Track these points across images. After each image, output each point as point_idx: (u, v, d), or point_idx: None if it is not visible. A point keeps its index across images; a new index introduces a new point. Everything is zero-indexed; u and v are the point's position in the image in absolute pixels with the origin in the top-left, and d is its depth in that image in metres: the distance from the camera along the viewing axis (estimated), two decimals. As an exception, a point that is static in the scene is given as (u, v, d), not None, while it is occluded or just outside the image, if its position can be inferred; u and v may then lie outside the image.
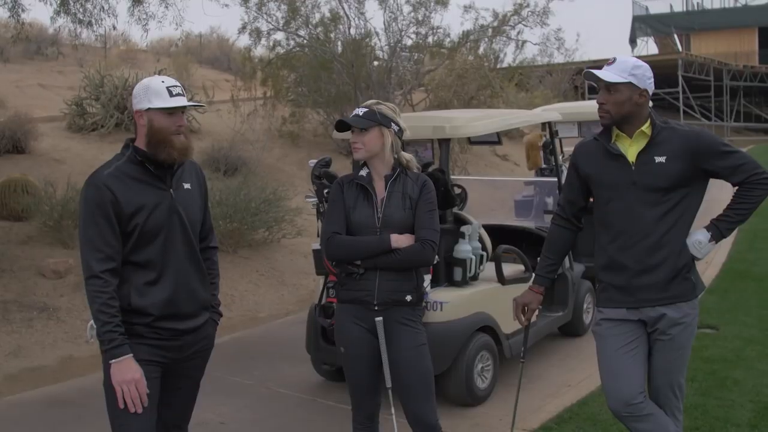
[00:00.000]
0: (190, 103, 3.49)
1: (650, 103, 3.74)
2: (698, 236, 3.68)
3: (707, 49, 39.92)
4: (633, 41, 46.32)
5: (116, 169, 3.36)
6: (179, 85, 3.46)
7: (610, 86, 3.60)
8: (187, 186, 3.55)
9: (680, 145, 3.59)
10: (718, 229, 3.70)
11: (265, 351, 7.63)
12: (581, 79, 26.92)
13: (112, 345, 3.24)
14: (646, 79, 3.63)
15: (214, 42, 29.24)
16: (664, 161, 3.59)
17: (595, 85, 3.73)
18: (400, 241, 3.83)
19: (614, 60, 3.67)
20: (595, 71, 3.65)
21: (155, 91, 3.37)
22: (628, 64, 3.63)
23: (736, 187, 3.68)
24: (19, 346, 7.30)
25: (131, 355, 3.27)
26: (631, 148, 3.68)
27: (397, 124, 3.94)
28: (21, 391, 6.53)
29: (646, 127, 3.65)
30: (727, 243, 11.24)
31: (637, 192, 3.63)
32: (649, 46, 47.93)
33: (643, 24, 45.48)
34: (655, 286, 3.66)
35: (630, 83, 3.59)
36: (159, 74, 14.39)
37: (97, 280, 3.24)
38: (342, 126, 4.00)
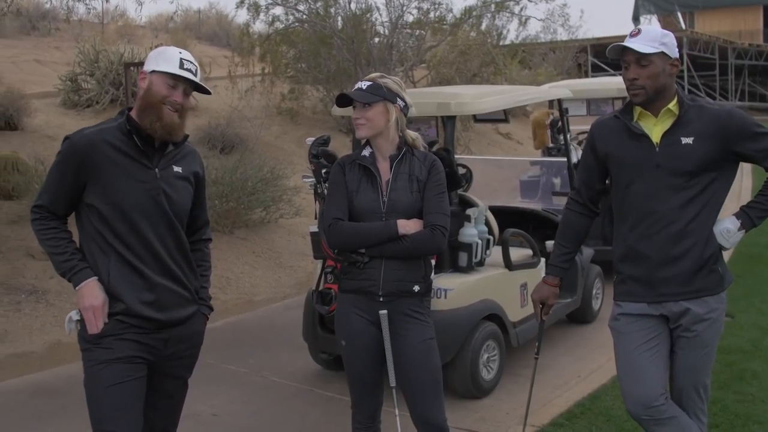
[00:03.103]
0: (193, 78, 3.20)
1: None
2: (727, 224, 3.38)
3: (711, 27, 39.44)
4: (636, 19, 45.85)
5: (99, 132, 3.14)
6: (195, 64, 3.24)
7: (642, 58, 3.29)
8: (177, 169, 3.28)
9: (709, 125, 3.29)
10: (749, 217, 3.41)
11: (260, 337, 7.37)
12: (585, 57, 26.62)
13: (73, 272, 3.12)
14: (674, 48, 3.36)
15: (212, 18, 29.09)
16: (691, 142, 3.29)
17: (621, 62, 3.40)
18: (407, 227, 3.52)
19: (639, 31, 3.36)
20: (627, 44, 3.33)
21: (167, 57, 3.18)
22: (656, 33, 3.34)
23: None
24: (6, 331, 7.01)
25: (94, 278, 3.11)
26: (655, 128, 3.37)
27: (403, 100, 3.62)
28: (6, 378, 6.27)
29: (673, 105, 3.35)
30: (739, 226, 10.97)
31: (661, 175, 3.32)
32: (652, 24, 47.48)
33: (647, 2, 45.00)
34: (678, 278, 3.37)
35: (662, 53, 3.30)
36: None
37: (37, 214, 3.19)
38: (343, 100, 3.64)
